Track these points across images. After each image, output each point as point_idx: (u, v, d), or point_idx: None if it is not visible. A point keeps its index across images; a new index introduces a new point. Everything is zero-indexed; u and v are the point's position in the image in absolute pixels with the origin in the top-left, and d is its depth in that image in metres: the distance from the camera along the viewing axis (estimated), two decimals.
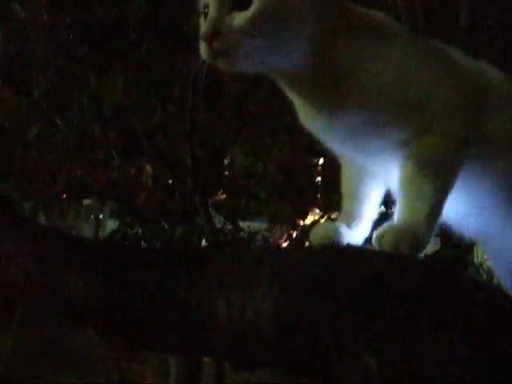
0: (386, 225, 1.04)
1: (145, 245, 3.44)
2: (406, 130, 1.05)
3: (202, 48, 1.02)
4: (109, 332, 1.24)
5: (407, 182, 1.05)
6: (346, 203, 1.18)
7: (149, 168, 2.93)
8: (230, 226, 3.74)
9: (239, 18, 0.99)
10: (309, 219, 3.62)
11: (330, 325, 0.91)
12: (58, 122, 3.34)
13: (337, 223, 1.14)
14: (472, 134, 1.07)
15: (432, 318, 0.87)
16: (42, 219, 3.99)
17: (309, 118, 1.11)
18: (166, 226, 3.53)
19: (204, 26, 1.02)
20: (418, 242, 1.01)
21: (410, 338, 0.86)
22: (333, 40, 1.05)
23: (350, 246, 1.07)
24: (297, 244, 3.27)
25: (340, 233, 1.11)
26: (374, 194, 1.17)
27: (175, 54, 3.77)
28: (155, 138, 3.12)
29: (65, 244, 1.25)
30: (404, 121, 1.05)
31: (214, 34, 0.99)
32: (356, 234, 1.14)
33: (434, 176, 1.04)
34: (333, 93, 1.05)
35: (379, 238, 1.01)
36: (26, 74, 3.71)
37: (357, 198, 1.16)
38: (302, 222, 3.59)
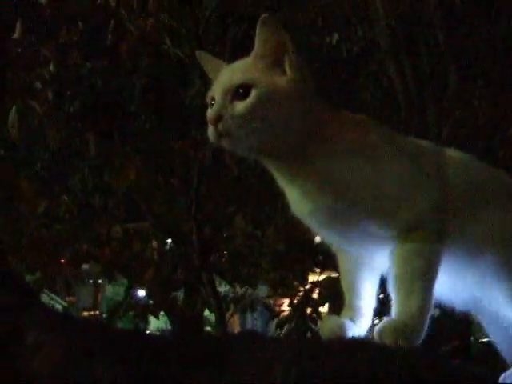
0: (385, 320, 1.22)
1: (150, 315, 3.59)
2: (389, 228, 1.24)
3: (209, 130, 1.24)
4: None
5: (398, 280, 1.23)
6: (346, 297, 1.35)
7: (154, 243, 3.11)
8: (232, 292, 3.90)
9: (239, 106, 1.22)
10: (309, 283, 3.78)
11: None
12: (64, 196, 3.52)
13: (342, 317, 1.32)
14: (446, 220, 1.25)
15: None
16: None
17: (296, 204, 1.29)
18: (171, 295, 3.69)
19: (210, 112, 1.24)
20: (414, 335, 1.19)
21: None
22: (317, 139, 1.25)
23: (354, 340, 1.25)
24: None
25: (345, 327, 1.29)
26: (370, 285, 1.34)
27: (174, 125, 3.98)
28: (159, 212, 3.31)
29: (91, 334, 1.38)
30: (387, 220, 1.24)
31: (218, 118, 1.22)
32: (359, 326, 1.31)
33: (422, 271, 1.22)
34: (316, 184, 1.25)
35: (380, 334, 1.19)
36: (28, 146, 3.90)
37: (355, 292, 1.33)
38: (302, 288, 3.75)
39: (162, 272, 3.15)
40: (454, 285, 1.31)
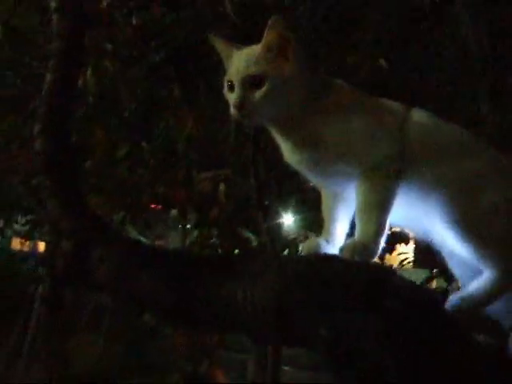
0: (347, 241, 1.64)
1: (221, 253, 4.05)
2: (353, 167, 1.63)
3: (233, 111, 1.67)
4: (171, 318, 1.85)
5: (360, 209, 1.62)
6: (325, 223, 1.75)
7: (222, 186, 3.58)
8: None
9: (257, 95, 1.63)
10: None
11: (304, 307, 1.51)
12: (144, 143, 4.00)
13: (320, 238, 1.73)
14: (402, 165, 1.63)
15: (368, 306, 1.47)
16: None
17: (288, 155, 1.71)
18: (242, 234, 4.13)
19: (233, 98, 1.66)
20: (369, 252, 1.59)
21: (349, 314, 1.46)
22: (308, 107, 1.66)
23: (324, 255, 1.65)
24: None
25: (321, 245, 1.70)
26: (343, 216, 1.74)
27: None
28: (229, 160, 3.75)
29: (143, 252, 1.83)
30: (351, 161, 1.63)
31: (241, 105, 1.64)
32: (332, 246, 1.71)
33: (379, 203, 1.61)
34: (303, 140, 1.66)
35: (342, 251, 1.59)
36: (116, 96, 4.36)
37: (331, 219, 1.74)
38: None
39: (227, 211, 3.60)
40: (407, 215, 1.69)
